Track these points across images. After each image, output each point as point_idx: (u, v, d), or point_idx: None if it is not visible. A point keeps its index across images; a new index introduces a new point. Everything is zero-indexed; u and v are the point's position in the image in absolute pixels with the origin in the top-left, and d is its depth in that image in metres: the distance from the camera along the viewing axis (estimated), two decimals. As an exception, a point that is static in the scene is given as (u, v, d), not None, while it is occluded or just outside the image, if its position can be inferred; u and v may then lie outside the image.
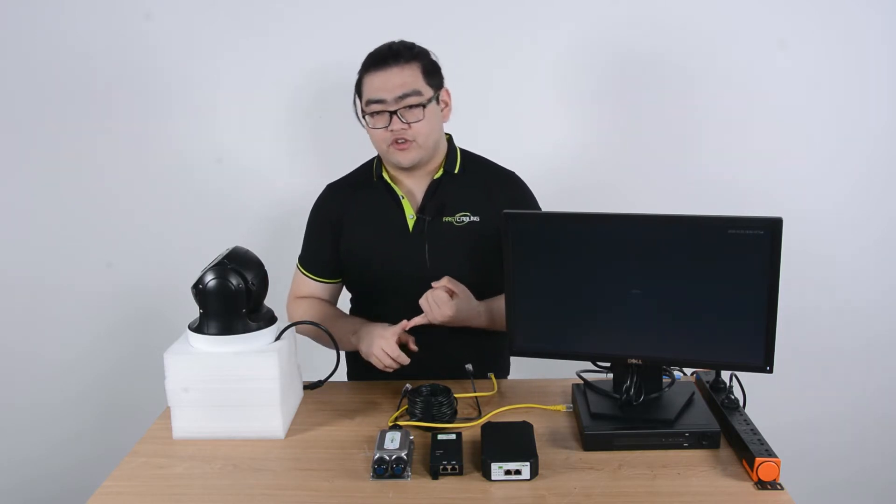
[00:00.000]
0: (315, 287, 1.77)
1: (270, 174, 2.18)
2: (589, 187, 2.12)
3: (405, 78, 1.56)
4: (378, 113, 1.56)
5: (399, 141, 1.57)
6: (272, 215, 2.19)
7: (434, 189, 1.66)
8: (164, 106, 2.13)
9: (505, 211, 1.41)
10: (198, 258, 1.51)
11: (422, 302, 1.54)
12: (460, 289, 1.57)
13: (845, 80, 2.05)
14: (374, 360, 1.57)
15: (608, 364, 1.46)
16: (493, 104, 2.06)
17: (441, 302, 1.53)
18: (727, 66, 2.05)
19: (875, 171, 2.11)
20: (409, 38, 1.62)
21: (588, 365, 1.48)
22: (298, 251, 1.80)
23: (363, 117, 1.61)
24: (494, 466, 1.24)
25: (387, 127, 1.56)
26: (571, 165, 2.13)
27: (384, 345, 1.54)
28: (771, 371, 1.31)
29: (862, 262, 2.17)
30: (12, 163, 2.17)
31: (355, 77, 1.63)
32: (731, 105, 2.08)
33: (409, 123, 1.56)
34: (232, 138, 2.16)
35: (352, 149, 1.77)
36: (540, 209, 1.69)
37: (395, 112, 1.55)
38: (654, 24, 2.04)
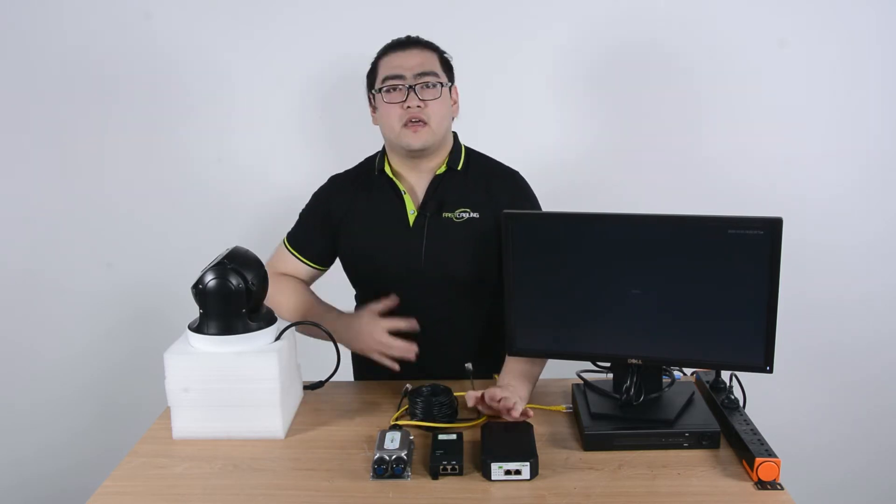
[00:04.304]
0: (297, 266, 1.73)
1: (271, 174, 2.18)
2: (588, 187, 2.12)
3: (424, 58, 1.60)
4: (394, 89, 1.57)
5: (413, 121, 1.57)
6: (273, 215, 2.18)
7: (436, 185, 1.65)
8: (164, 105, 2.13)
9: (505, 211, 1.41)
10: (198, 258, 1.51)
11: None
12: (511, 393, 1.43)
13: (845, 80, 2.05)
14: (375, 356, 1.58)
15: (608, 364, 1.46)
16: (492, 103, 2.06)
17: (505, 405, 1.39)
18: (727, 66, 2.05)
19: (874, 170, 2.11)
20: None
21: (588, 365, 1.48)
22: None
23: (379, 94, 1.60)
24: (494, 466, 1.24)
25: (402, 103, 1.56)
26: (571, 165, 2.13)
27: (376, 335, 1.56)
28: (771, 371, 1.31)
29: (862, 262, 2.17)
30: (12, 162, 2.17)
31: (356, 76, 1.62)
32: (730, 105, 2.08)
33: (425, 101, 1.56)
34: (232, 138, 2.16)
35: (353, 148, 1.77)
36: (540, 208, 1.68)
37: (412, 87, 1.56)
38: (653, 24, 2.04)
